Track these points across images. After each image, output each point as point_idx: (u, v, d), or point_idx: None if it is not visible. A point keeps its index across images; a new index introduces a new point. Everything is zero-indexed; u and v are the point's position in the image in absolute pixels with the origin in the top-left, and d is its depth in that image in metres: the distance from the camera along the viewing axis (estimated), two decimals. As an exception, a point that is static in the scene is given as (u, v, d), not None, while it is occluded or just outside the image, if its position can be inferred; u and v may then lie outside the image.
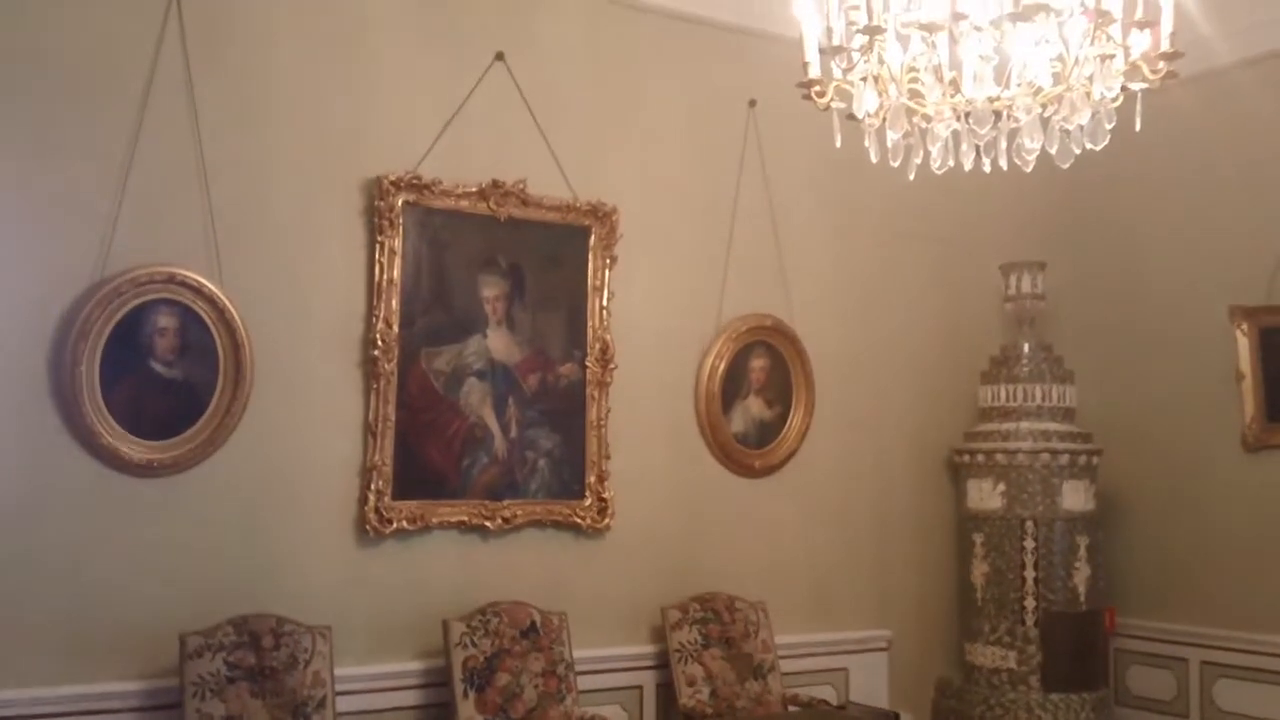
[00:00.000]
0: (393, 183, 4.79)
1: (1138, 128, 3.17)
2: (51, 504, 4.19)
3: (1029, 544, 5.80)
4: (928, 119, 3.16)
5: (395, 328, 4.80)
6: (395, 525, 4.76)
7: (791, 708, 5.28)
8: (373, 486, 4.72)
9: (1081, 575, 5.82)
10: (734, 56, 5.67)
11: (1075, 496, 5.86)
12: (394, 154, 4.83)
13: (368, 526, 4.72)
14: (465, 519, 4.92)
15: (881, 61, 3.11)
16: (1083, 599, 5.82)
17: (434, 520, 4.85)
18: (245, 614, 4.34)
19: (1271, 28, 5.72)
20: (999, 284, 6.18)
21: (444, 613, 4.74)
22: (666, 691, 5.23)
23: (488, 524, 4.96)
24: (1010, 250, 6.21)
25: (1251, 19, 5.70)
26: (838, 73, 3.22)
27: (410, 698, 4.75)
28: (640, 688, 5.28)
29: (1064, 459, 5.85)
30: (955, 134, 3.19)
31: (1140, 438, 6.31)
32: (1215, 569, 6.03)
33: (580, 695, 4.88)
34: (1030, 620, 5.76)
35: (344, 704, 4.46)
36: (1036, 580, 5.77)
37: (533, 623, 4.86)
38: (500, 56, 5.08)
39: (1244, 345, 5.92)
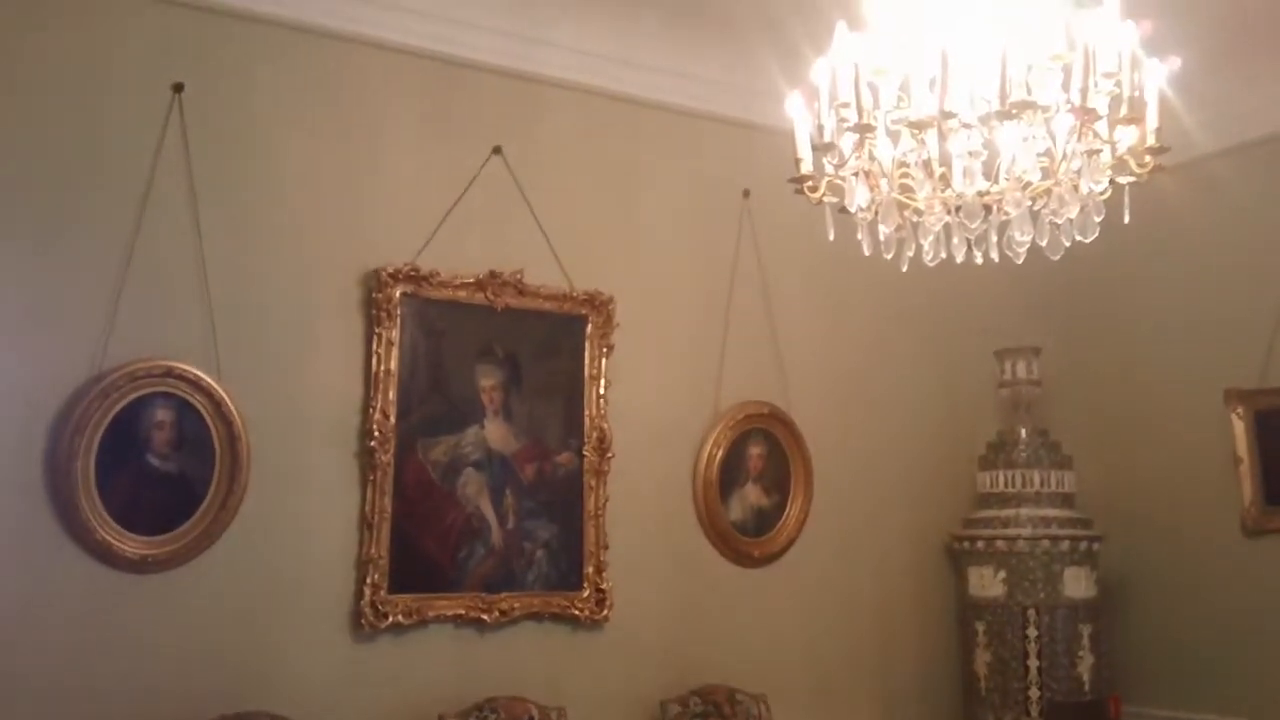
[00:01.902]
0: (391, 274, 4.83)
1: (1126, 220, 3.22)
2: (42, 600, 4.15)
3: (1032, 632, 5.75)
4: (919, 213, 3.20)
5: (392, 418, 4.80)
6: (391, 619, 4.71)
7: (794, 802, 5.20)
8: (369, 580, 4.69)
9: (1085, 664, 5.76)
10: (728, 148, 5.75)
11: (1077, 583, 5.81)
12: (392, 246, 4.88)
13: (363, 621, 4.67)
14: (462, 612, 4.88)
15: (872, 157, 3.16)
16: (1087, 688, 5.74)
17: (430, 614, 4.81)
18: (239, 711, 4.28)
19: (1251, 118, 5.83)
20: (994, 370, 6.21)
21: (441, 709, 4.67)
22: (667, 787, 5.15)
23: (485, 617, 4.91)
24: (1004, 336, 6.24)
25: (1231, 110, 5.81)
26: (830, 168, 3.27)
27: (405, 797, 4.67)
28: (640, 783, 5.20)
29: (1064, 545, 5.82)
30: (946, 227, 3.23)
31: (1140, 523, 6.28)
32: (1219, 655, 5.96)
33: (579, 792, 4.80)
34: (1035, 710, 5.67)
35: (338, 803, 4.39)
36: (1040, 669, 5.71)
37: (530, 718, 4.78)
38: (498, 150, 5.16)
39: (1240, 429, 5.93)
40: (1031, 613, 5.75)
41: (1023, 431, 6.06)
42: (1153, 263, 6.32)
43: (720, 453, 5.61)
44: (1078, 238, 3.18)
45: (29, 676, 4.09)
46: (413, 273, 4.88)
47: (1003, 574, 5.83)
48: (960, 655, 6.06)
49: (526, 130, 5.27)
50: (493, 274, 5.07)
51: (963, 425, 6.29)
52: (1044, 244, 3.20)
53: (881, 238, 3.28)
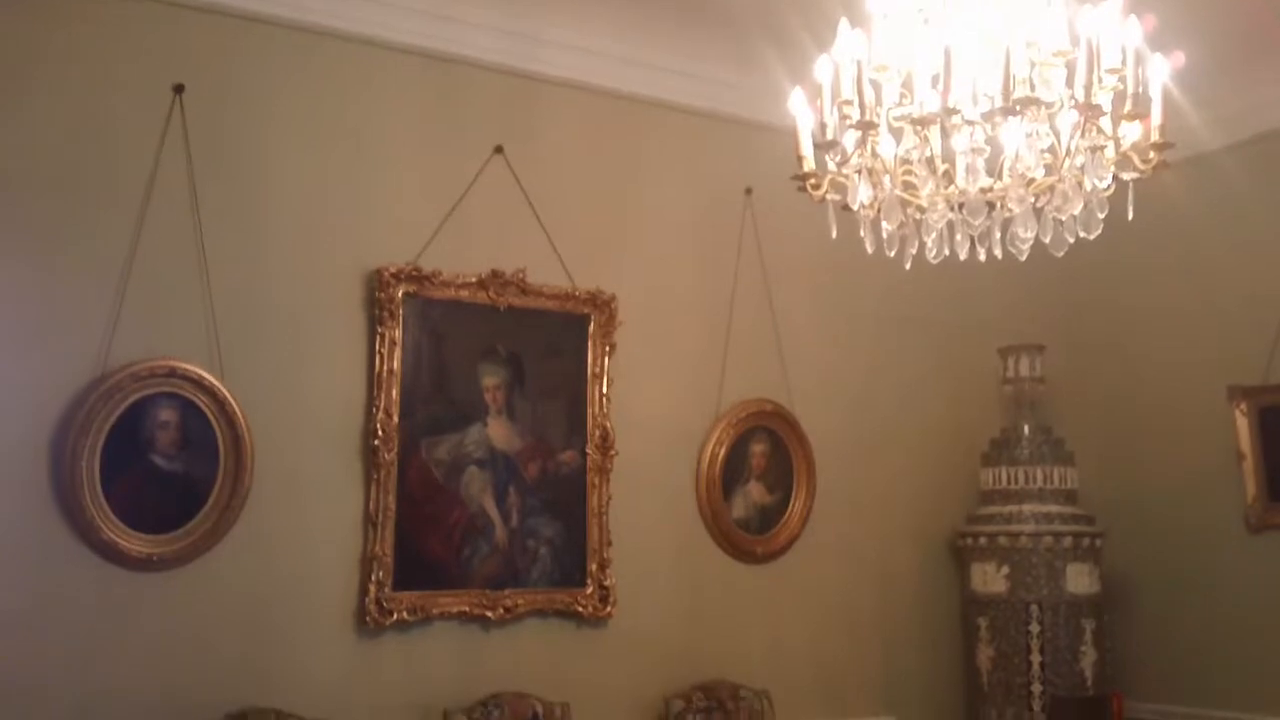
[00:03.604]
0: (393, 274, 4.84)
1: (1130, 216, 3.22)
2: (50, 598, 4.16)
3: (1034, 628, 5.75)
4: (922, 210, 3.20)
5: (395, 418, 4.80)
6: (396, 616, 4.72)
7: (798, 799, 5.20)
8: (373, 577, 4.70)
9: (1088, 659, 5.76)
10: (731, 146, 5.75)
11: (1079, 579, 5.82)
12: (394, 246, 4.88)
13: (368, 618, 4.68)
14: (466, 609, 4.89)
15: (875, 155, 3.16)
16: (1090, 684, 5.75)
17: (435, 611, 4.82)
18: (244, 708, 4.30)
19: (1255, 114, 5.83)
20: (997, 367, 6.21)
21: (445, 704, 4.68)
22: (671, 783, 5.16)
23: (489, 614, 4.92)
24: (1008, 333, 6.24)
25: (1236, 105, 5.81)
26: (832, 165, 3.27)
27: (411, 794, 4.68)
28: (644, 778, 5.21)
29: (1067, 541, 5.82)
30: (950, 224, 3.23)
31: (1143, 520, 6.29)
32: (1222, 651, 5.96)
33: (583, 789, 4.81)
34: (1037, 706, 5.68)
35: (344, 801, 4.40)
36: (1042, 665, 5.71)
37: (535, 714, 4.80)
38: (499, 149, 5.16)
39: (1243, 425, 5.93)
40: (1034, 608, 5.76)
41: (1026, 428, 6.06)
42: (1156, 260, 6.32)
43: (723, 450, 5.61)
44: (1081, 234, 3.18)
45: (36, 674, 4.10)
46: (415, 272, 4.88)
47: (1005, 570, 5.84)
48: (963, 651, 6.07)
49: (528, 130, 5.28)
50: (495, 273, 5.07)
51: (966, 422, 6.29)
52: (1047, 241, 3.19)
53: (884, 235, 3.27)
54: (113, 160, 4.41)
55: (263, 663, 4.48)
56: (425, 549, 4.84)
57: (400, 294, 4.85)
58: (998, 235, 3.24)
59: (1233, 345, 5.98)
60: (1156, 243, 6.13)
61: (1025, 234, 3.15)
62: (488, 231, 5.11)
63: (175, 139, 4.51)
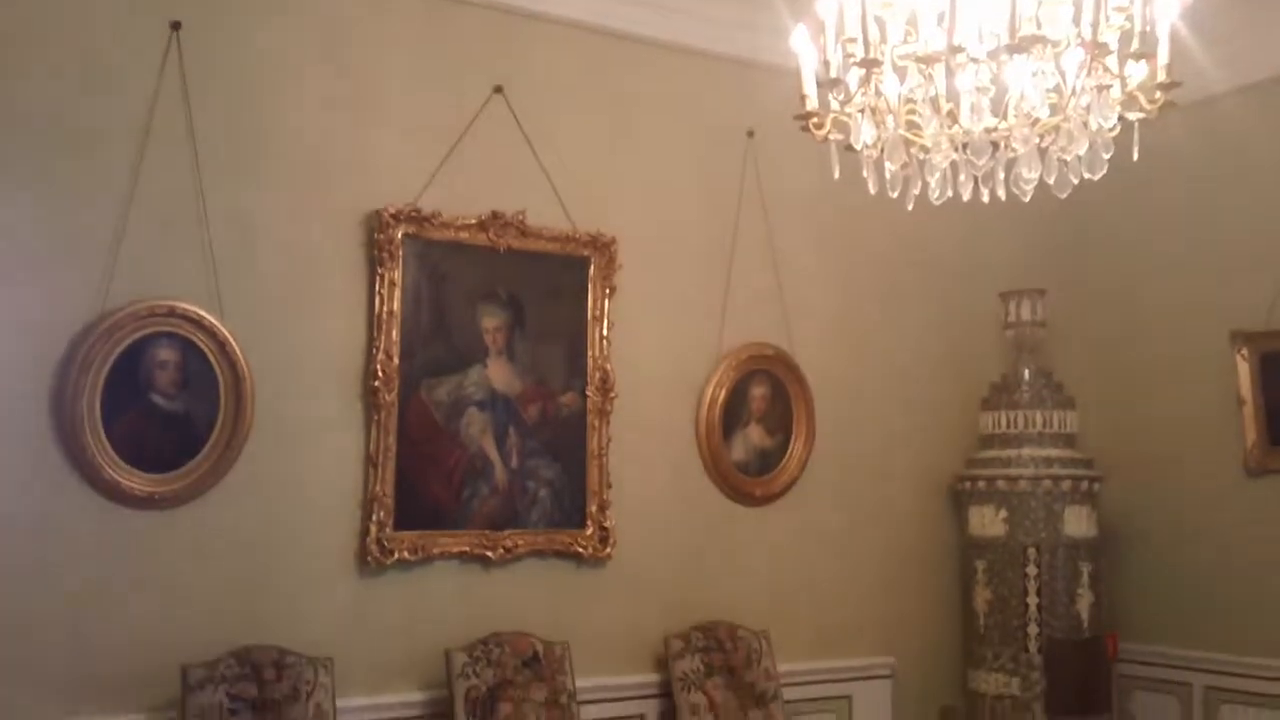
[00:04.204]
0: (392, 215, 4.81)
1: (1135, 157, 3.19)
2: (52, 535, 4.19)
3: (1031, 570, 5.79)
4: (925, 150, 3.17)
5: (395, 359, 4.80)
6: (397, 556, 4.75)
7: (795, 737, 5.27)
8: (374, 517, 4.72)
9: (1084, 602, 5.81)
10: (732, 87, 5.70)
11: (1077, 523, 5.85)
12: (393, 187, 4.86)
13: (369, 558, 4.71)
14: (466, 549, 4.92)
15: (879, 93, 3.13)
16: (1086, 625, 5.80)
17: (435, 551, 4.85)
18: (247, 645, 4.34)
19: (1265, 54, 5.76)
20: (998, 311, 6.19)
21: (446, 643, 4.73)
22: (669, 721, 5.23)
23: (489, 554, 4.95)
24: (1009, 277, 6.22)
25: (1245, 46, 5.74)
26: (835, 105, 3.24)
27: (412, 729, 4.74)
28: (643, 716, 5.26)
29: (1066, 485, 5.85)
30: (953, 165, 3.20)
31: (1141, 463, 6.30)
32: (1218, 594, 6.01)
33: (583, 726, 4.87)
34: (1033, 647, 5.74)
35: (346, 736, 4.46)
36: (1039, 607, 5.76)
37: (535, 652, 4.84)
38: (499, 89, 5.11)
39: (1244, 370, 5.93)
40: (1032, 551, 5.79)
41: (1026, 372, 6.06)
42: (1160, 203, 6.29)
43: (723, 394, 5.62)
44: (1086, 175, 3.15)
45: (40, 612, 4.14)
46: (414, 214, 4.86)
47: (1004, 513, 5.86)
48: (960, 593, 6.11)
49: (528, 69, 5.23)
50: (495, 215, 5.04)
51: (966, 366, 6.29)
52: (1051, 182, 3.16)
53: (887, 176, 3.25)
54: (109, 99, 4.37)
55: (265, 601, 4.52)
56: (426, 490, 4.86)
57: (400, 235, 4.83)
58: (1001, 176, 3.21)
59: (1235, 290, 5.96)
60: (1161, 186, 6.09)
61: (1029, 175, 3.13)
62: (487, 173, 5.08)
63: (172, 77, 4.47)
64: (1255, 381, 5.90)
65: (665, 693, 5.23)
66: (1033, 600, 5.77)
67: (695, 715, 5.12)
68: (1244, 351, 5.93)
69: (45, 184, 4.25)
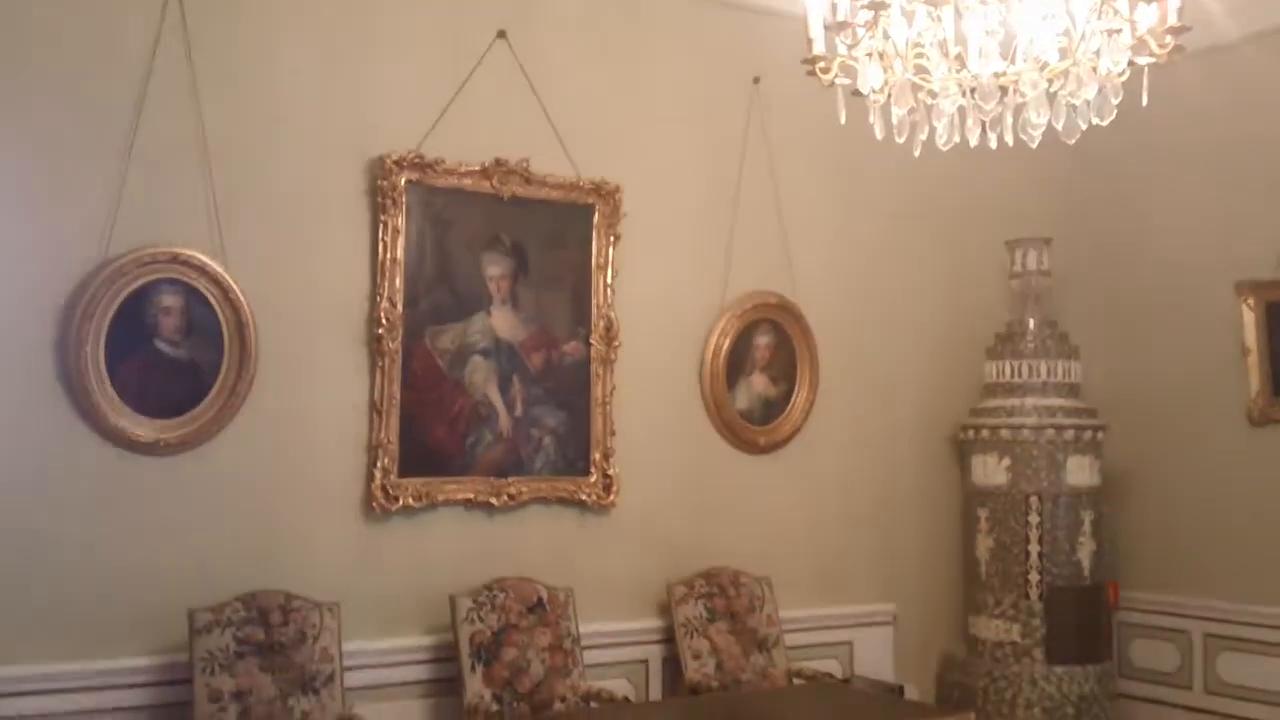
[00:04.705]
0: (395, 162, 4.79)
1: (1144, 102, 3.17)
2: (59, 482, 4.21)
3: (1033, 519, 5.82)
4: (933, 95, 3.15)
5: (399, 306, 4.80)
6: (401, 503, 4.78)
7: (796, 681, 5.31)
8: (379, 464, 4.74)
9: (1086, 550, 5.84)
10: (738, 33, 5.64)
11: (1080, 472, 5.87)
12: (396, 133, 4.82)
13: (374, 504, 4.74)
14: (471, 496, 4.94)
15: (886, 37, 3.10)
16: (1087, 573, 5.84)
17: (440, 498, 4.87)
18: (254, 590, 4.37)
19: (1275, 3, 5.68)
20: (1004, 260, 6.17)
21: (451, 589, 4.76)
22: (672, 665, 5.26)
23: (493, 501, 4.98)
24: (1016, 226, 6.19)
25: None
26: (842, 49, 3.21)
27: (418, 672, 4.78)
28: (646, 662, 5.31)
29: (1069, 434, 5.86)
30: (961, 110, 3.18)
31: (1145, 413, 6.32)
32: (1219, 543, 6.04)
33: (587, 669, 4.91)
34: (1034, 594, 5.78)
35: (352, 679, 4.49)
36: (1041, 555, 5.79)
37: (539, 598, 4.88)
38: (502, 34, 5.06)
39: (1250, 320, 5.92)
40: (1034, 500, 5.82)
41: (1031, 322, 6.05)
42: (1167, 153, 6.25)
43: (727, 342, 5.62)
44: (1094, 121, 3.13)
45: (46, 558, 4.17)
46: (417, 160, 4.83)
47: (1007, 462, 5.88)
48: (962, 541, 6.15)
49: (531, 13, 5.17)
50: (498, 162, 5.02)
51: (971, 315, 6.28)
52: (1060, 127, 3.14)
53: (894, 121, 3.23)
54: (110, 45, 4.33)
55: (271, 547, 4.54)
56: (430, 437, 4.88)
57: (403, 182, 4.81)
58: (1009, 121, 3.18)
59: (1243, 240, 5.94)
60: (1169, 134, 6.05)
61: (1037, 120, 3.11)
62: (491, 119, 5.04)
63: (174, 21, 4.42)
64: (1260, 331, 5.90)
65: (668, 638, 5.27)
66: (1034, 548, 5.80)
67: (698, 660, 5.17)
68: (1250, 301, 5.92)
69: (46, 131, 4.23)
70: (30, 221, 4.19)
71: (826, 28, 3.22)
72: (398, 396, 4.79)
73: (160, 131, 4.38)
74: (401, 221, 4.81)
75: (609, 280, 5.28)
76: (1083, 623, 5.82)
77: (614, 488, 5.24)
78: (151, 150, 4.36)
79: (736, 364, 5.67)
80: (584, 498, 5.19)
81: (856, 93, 3.24)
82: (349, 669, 4.47)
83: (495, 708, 4.60)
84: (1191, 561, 6.16)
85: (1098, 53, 3.01)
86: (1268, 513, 5.84)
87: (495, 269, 5.06)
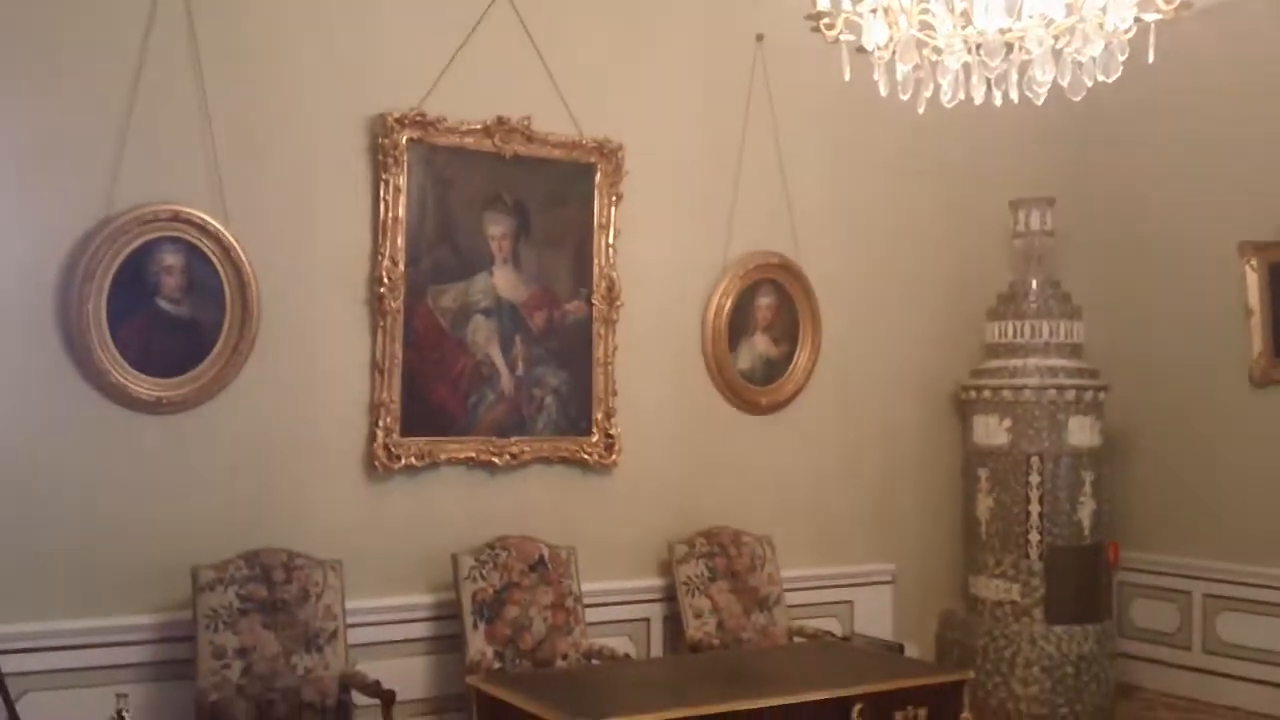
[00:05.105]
0: (397, 120, 4.76)
1: (1150, 59, 3.15)
2: (62, 441, 4.22)
3: (1034, 479, 5.83)
4: (938, 51, 3.13)
5: (401, 265, 4.79)
6: (404, 462, 4.79)
7: (797, 639, 5.34)
8: (381, 423, 4.75)
9: (1086, 510, 5.86)
10: (741, -10, 5.60)
11: (1081, 432, 5.87)
12: (398, 91, 4.80)
13: (376, 463, 4.75)
14: (473, 455, 4.95)
15: (892, -8, 3.07)
16: (1087, 533, 5.86)
17: (442, 457, 4.88)
18: (256, 548, 4.39)
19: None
20: (1008, 220, 6.15)
21: (453, 547, 4.78)
22: (674, 624, 5.30)
23: (495, 460, 4.99)
24: (1019, 186, 6.17)
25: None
26: (847, 4, 3.19)
27: (421, 630, 4.82)
28: (648, 620, 5.35)
29: (1070, 395, 5.86)
30: (966, 67, 3.15)
31: (1147, 373, 6.32)
32: (1219, 503, 6.07)
33: (588, 628, 4.94)
34: (1035, 554, 5.80)
35: (355, 636, 4.52)
36: (1041, 515, 5.81)
37: (541, 557, 4.90)
38: (505, -10, 5.03)
39: (1253, 281, 5.92)
40: (1035, 460, 5.83)
41: (1034, 282, 6.04)
42: (1172, 112, 6.21)
43: (729, 303, 5.61)
44: (1100, 78, 3.11)
45: (50, 515, 4.19)
46: (419, 118, 4.81)
47: (1008, 422, 5.89)
48: (963, 501, 6.16)
49: (534, -31, 5.13)
50: (500, 120, 4.99)
51: (974, 276, 6.26)
52: (1065, 84, 3.12)
53: (899, 78, 3.20)
54: (111, 3, 4.29)
55: (274, 505, 4.56)
56: (432, 396, 4.88)
57: (404, 140, 4.78)
58: (1015, 79, 3.16)
59: (1246, 201, 5.92)
60: (1174, 93, 6.01)
61: (1043, 77, 3.08)
62: (493, 78, 5.01)
63: (172, -23, 4.39)
64: (1263, 292, 5.89)
65: (670, 597, 5.30)
66: (1035, 508, 5.81)
67: (699, 619, 5.20)
68: (1253, 262, 5.91)
69: (48, 89, 4.20)
70: (32, 180, 4.17)
71: (831, -17, 3.19)
72: (400, 356, 4.79)
73: (161, 89, 4.36)
74: (403, 180, 4.79)
75: (611, 240, 5.26)
76: (1082, 583, 5.85)
77: (616, 447, 5.25)
78: (153, 108, 4.34)
79: (738, 324, 5.66)
80: (586, 457, 5.20)
81: (861, 49, 3.21)
82: (351, 626, 4.49)
83: (497, 665, 4.63)
84: (1192, 522, 6.18)
85: (1104, 9, 2.99)
86: (1269, 473, 5.86)
87: (497, 228, 5.05)
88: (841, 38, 3.20)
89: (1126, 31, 3.07)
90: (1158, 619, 6.33)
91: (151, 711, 4.21)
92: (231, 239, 4.42)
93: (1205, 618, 6.12)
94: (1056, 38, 3.06)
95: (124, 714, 3.39)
